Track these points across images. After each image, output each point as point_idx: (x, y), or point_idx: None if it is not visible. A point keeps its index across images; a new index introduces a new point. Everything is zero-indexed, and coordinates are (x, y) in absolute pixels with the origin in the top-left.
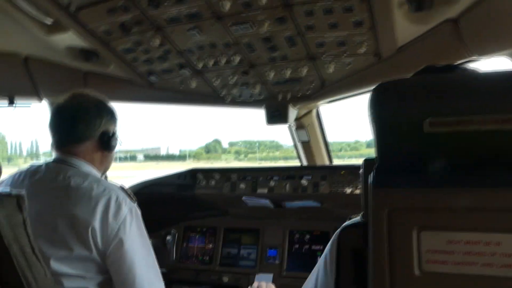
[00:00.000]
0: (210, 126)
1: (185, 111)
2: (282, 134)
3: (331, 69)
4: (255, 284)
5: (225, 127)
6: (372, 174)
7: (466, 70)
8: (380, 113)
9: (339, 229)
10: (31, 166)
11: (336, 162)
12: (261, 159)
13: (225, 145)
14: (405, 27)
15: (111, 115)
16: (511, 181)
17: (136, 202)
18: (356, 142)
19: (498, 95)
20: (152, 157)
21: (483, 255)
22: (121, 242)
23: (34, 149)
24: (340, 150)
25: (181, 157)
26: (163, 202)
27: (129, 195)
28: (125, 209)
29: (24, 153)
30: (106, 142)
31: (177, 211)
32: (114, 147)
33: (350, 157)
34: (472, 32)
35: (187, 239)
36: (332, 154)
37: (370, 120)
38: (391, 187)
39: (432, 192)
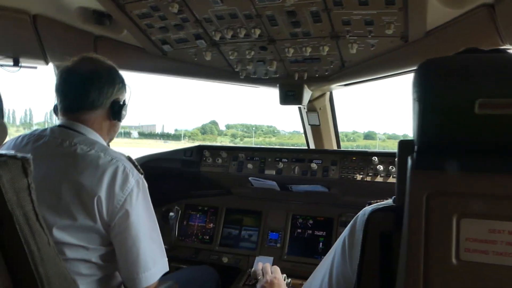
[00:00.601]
0: (208, 107)
1: (184, 90)
2: (279, 120)
3: (354, 49)
4: (259, 265)
5: (224, 109)
6: (412, 155)
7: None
8: (426, 91)
9: (365, 213)
10: (35, 130)
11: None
12: (257, 143)
13: (222, 127)
14: (438, 10)
15: (122, 83)
16: None
17: (143, 174)
18: (354, 132)
19: None
20: (147, 134)
21: None
22: (127, 214)
23: (28, 118)
24: None
25: (176, 136)
26: (167, 178)
27: (136, 167)
28: (132, 180)
29: (18, 122)
30: (117, 111)
31: (180, 188)
32: (124, 116)
33: (346, 147)
34: (508, 19)
35: (188, 217)
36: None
37: (413, 98)
38: (432, 169)
39: (476, 177)
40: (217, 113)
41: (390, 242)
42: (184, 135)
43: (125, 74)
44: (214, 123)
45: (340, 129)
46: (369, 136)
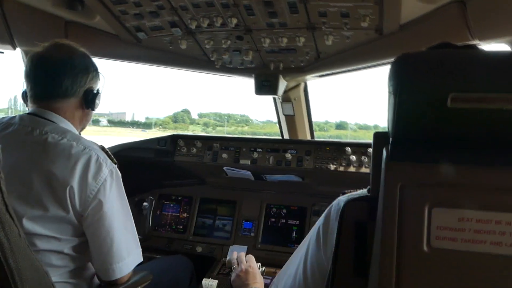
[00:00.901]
0: (180, 96)
1: (156, 78)
2: (252, 109)
3: (329, 41)
4: (234, 254)
5: (197, 97)
6: (387, 147)
7: (483, 49)
8: (402, 85)
9: (339, 203)
10: (3, 118)
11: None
12: (229, 133)
13: (194, 116)
14: (412, 4)
15: (96, 71)
16: None
17: (117, 164)
18: (326, 122)
19: None
20: (116, 122)
21: (493, 233)
22: (100, 204)
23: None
24: None
25: (147, 124)
26: (140, 168)
27: (109, 156)
28: (105, 170)
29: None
30: (91, 100)
31: (153, 177)
32: (97, 105)
33: (318, 137)
34: (478, 16)
35: (161, 207)
36: None
37: (389, 91)
38: (406, 161)
39: (448, 169)
40: (190, 102)
41: (365, 231)
42: (155, 123)
43: (97, 61)
44: (186, 111)
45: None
46: (341, 126)
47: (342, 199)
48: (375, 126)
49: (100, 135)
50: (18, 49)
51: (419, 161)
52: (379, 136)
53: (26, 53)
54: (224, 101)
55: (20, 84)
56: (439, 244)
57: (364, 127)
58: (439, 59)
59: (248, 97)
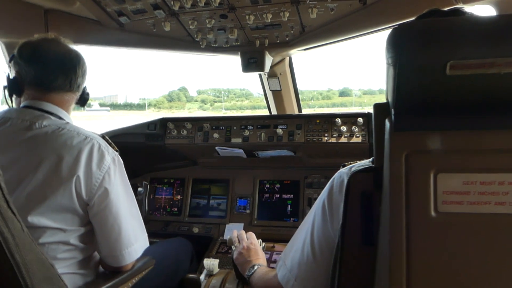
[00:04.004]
0: (178, 74)
1: (149, 58)
2: (252, 82)
3: (314, 14)
4: (235, 232)
5: (195, 75)
6: (390, 118)
7: (474, 14)
8: (401, 56)
9: (341, 175)
10: None
11: (306, 112)
12: (227, 108)
13: (193, 93)
14: None
15: (85, 67)
16: None
17: (118, 151)
18: (329, 90)
19: None
20: (108, 105)
21: (497, 194)
22: (106, 192)
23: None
24: (311, 98)
25: (141, 106)
26: (131, 153)
27: (110, 144)
28: (108, 158)
29: None
30: (86, 98)
31: (145, 162)
32: (87, 100)
33: (321, 106)
34: None
35: (154, 191)
36: (303, 103)
37: (387, 62)
38: (410, 130)
39: (451, 135)
40: (188, 80)
41: (370, 200)
42: (150, 104)
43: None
44: (183, 89)
45: (314, 88)
46: (344, 93)
47: (344, 171)
48: (380, 91)
49: (92, 120)
50: None
51: (422, 130)
52: (380, 108)
53: (5, 44)
54: (223, 76)
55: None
56: (446, 208)
57: (369, 92)
58: (436, 28)
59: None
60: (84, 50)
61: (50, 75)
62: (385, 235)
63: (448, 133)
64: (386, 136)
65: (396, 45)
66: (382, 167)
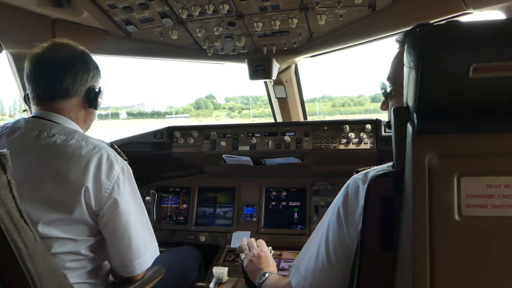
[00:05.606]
0: (205, 82)
1: (177, 66)
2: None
3: (322, 21)
4: (244, 240)
5: (223, 82)
6: (412, 122)
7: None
8: (424, 59)
9: (356, 181)
10: (7, 123)
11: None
12: (255, 116)
13: (220, 101)
14: None
15: (97, 69)
16: None
17: (127, 160)
18: (360, 96)
19: None
20: (136, 114)
21: None
22: (115, 203)
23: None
24: (343, 105)
25: (167, 114)
26: (137, 162)
27: (119, 153)
28: (117, 168)
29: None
30: (93, 98)
31: (151, 171)
32: (100, 104)
33: (353, 112)
34: None
35: (160, 200)
36: (333, 109)
37: (409, 66)
38: (433, 133)
39: (474, 138)
40: (216, 87)
41: (391, 205)
42: (176, 112)
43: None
44: (210, 96)
45: (344, 94)
46: (377, 98)
47: (358, 177)
48: None
49: (120, 128)
50: (4, 52)
51: (444, 133)
52: (399, 112)
53: (13, 55)
54: (251, 83)
55: (6, 87)
56: (469, 212)
57: None
58: (460, 31)
59: None
60: (112, 61)
61: (45, 87)
62: (407, 240)
63: (471, 136)
64: (408, 139)
65: (419, 48)
66: (402, 171)
